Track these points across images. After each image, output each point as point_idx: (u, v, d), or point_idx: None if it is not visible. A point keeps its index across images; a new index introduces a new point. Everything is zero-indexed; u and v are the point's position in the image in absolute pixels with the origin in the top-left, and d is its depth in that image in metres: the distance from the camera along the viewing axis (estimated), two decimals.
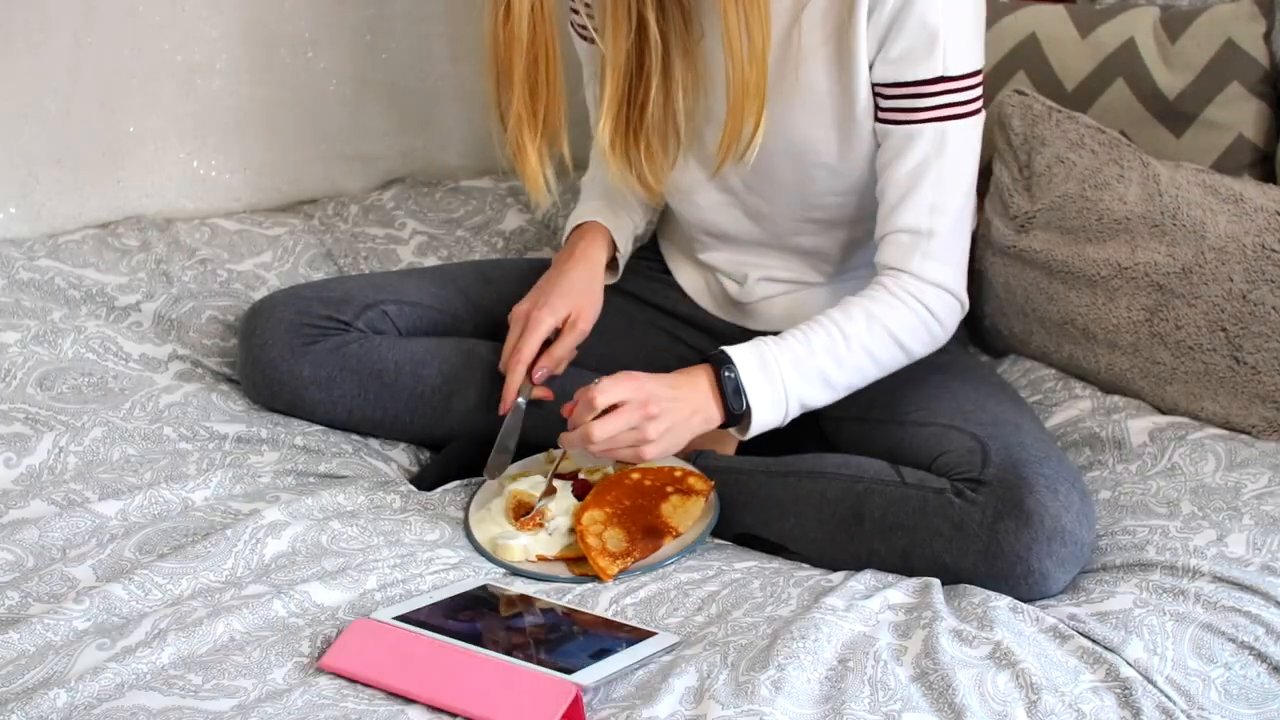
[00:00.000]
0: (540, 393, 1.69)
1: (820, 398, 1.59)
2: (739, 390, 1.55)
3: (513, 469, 1.69)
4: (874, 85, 1.60)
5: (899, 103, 1.59)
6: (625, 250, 1.82)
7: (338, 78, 2.28)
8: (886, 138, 1.61)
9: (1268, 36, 1.88)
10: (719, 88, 1.62)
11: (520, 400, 1.67)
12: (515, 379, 1.67)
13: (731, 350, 1.57)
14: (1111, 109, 1.93)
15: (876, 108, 1.61)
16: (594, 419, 1.51)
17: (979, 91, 1.60)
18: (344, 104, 2.30)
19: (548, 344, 1.70)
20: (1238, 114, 1.87)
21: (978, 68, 1.59)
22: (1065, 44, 1.97)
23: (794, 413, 1.58)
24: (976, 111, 1.60)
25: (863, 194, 1.69)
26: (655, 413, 1.52)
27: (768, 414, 1.57)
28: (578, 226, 1.80)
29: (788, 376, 1.56)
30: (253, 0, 2.20)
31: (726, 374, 1.55)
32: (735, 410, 1.56)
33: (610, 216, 1.81)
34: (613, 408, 1.52)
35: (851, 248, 1.75)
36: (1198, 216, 1.71)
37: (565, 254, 1.77)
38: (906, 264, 1.61)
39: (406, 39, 2.31)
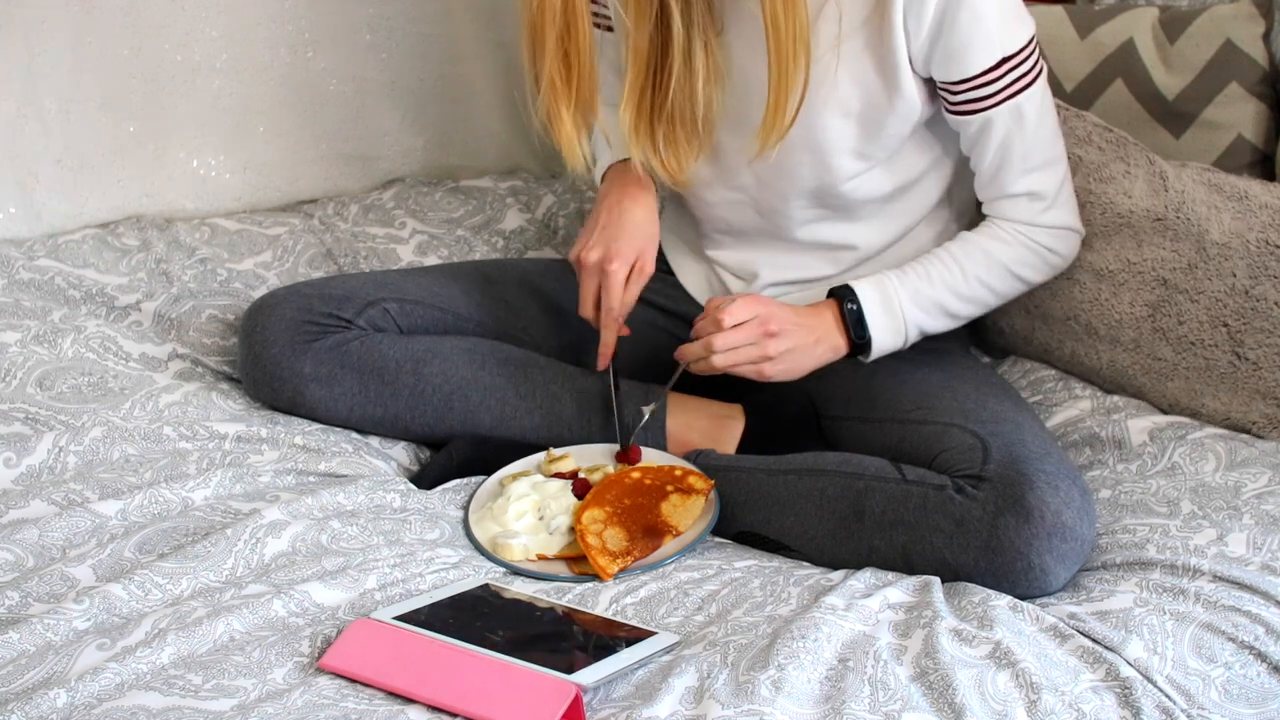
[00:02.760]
0: (621, 330, 1.72)
1: (940, 325, 1.70)
2: (861, 322, 1.66)
3: (513, 468, 1.69)
4: (937, 83, 1.62)
5: (968, 94, 1.62)
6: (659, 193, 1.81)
7: (338, 78, 2.28)
8: (963, 126, 1.65)
9: (1267, 37, 1.88)
10: (736, 85, 1.63)
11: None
12: (612, 334, 1.69)
13: (854, 284, 1.67)
14: (1111, 110, 1.93)
15: (945, 102, 1.64)
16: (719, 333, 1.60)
17: (1037, 53, 1.64)
18: (344, 104, 2.30)
19: None
20: (1237, 114, 1.87)
21: (1032, 33, 1.63)
22: (1064, 44, 1.97)
23: (914, 338, 1.70)
24: (1040, 72, 1.65)
25: (881, 187, 1.70)
26: (776, 330, 1.62)
27: (888, 340, 1.68)
28: (618, 162, 1.77)
29: (907, 308, 1.67)
30: (253, 0, 2.20)
31: (849, 306, 1.66)
32: (858, 340, 1.67)
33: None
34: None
35: (861, 239, 1.75)
36: (1202, 213, 1.71)
37: (616, 191, 1.73)
38: (1023, 216, 1.70)
39: (406, 39, 2.31)
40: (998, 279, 1.70)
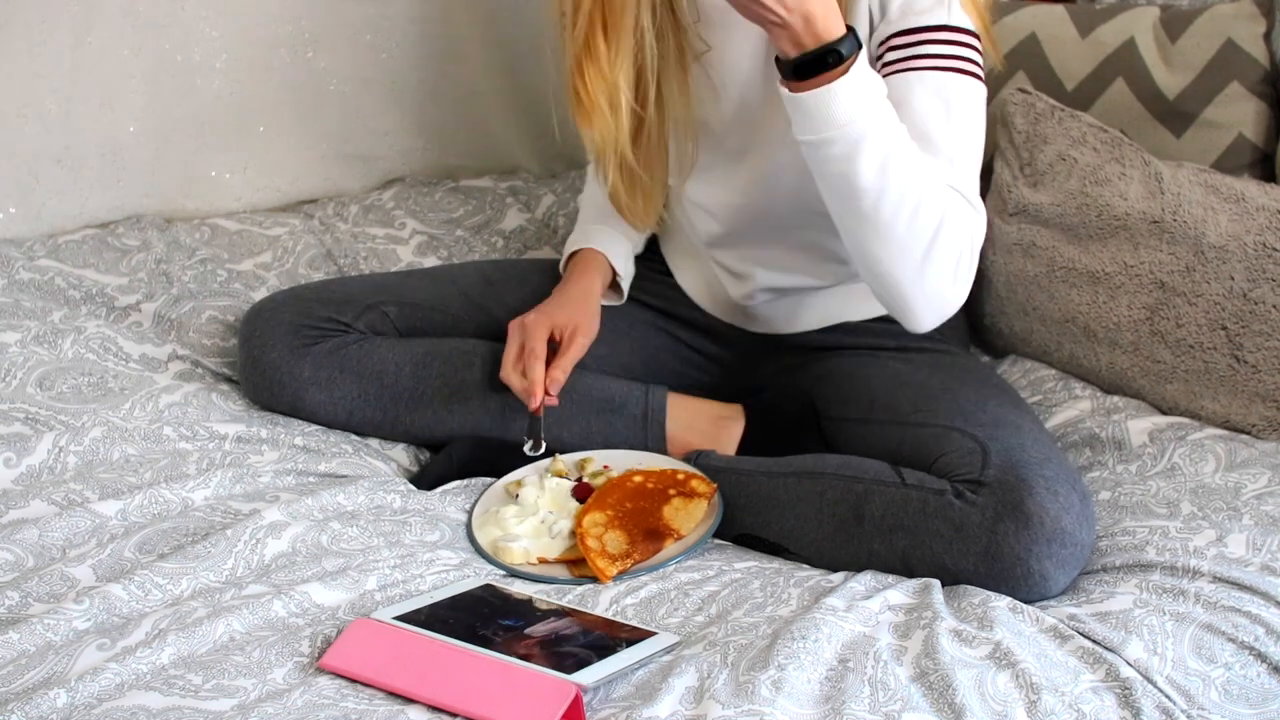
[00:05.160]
0: (549, 401, 1.69)
1: (875, 152, 1.44)
2: (847, 45, 1.43)
3: (519, 473, 1.68)
4: (876, 44, 1.56)
5: (899, 52, 1.53)
6: (626, 271, 1.83)
7: (338, 78, 2.28)
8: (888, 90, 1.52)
9: (1268, 36, 1.88)
10: (733, 97, 1.64)
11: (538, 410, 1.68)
12: (537, 371, 1.66)
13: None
14: (1111, 109, 1.93)
15: (879, 64, 1.55)
16: None
17: (979, 57, 1.54)
18: (344, 104, 2.30)
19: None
20: (1238, 114, 1.87)
21: (978, 39, 1.55)
22: (1065, 44, 1.97)
23: (853, 138, 1.44)
24: (977, 76, 1.54)
25: None
26: None
27: (858, 82, 1.44)
28: (574, 254, 1.81)
29: (881, 99, 1.46)
30: (253, 0, 2.20)
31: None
32: (844, 49, 1.42)
33: (609, 238, 1.81)
34: None
35: None
36: (1199, 215, 1.71)
37: (561, 281, 1.79)
38: None
39: (406, 39, 2.31)
40: (932, 187, 1.48)
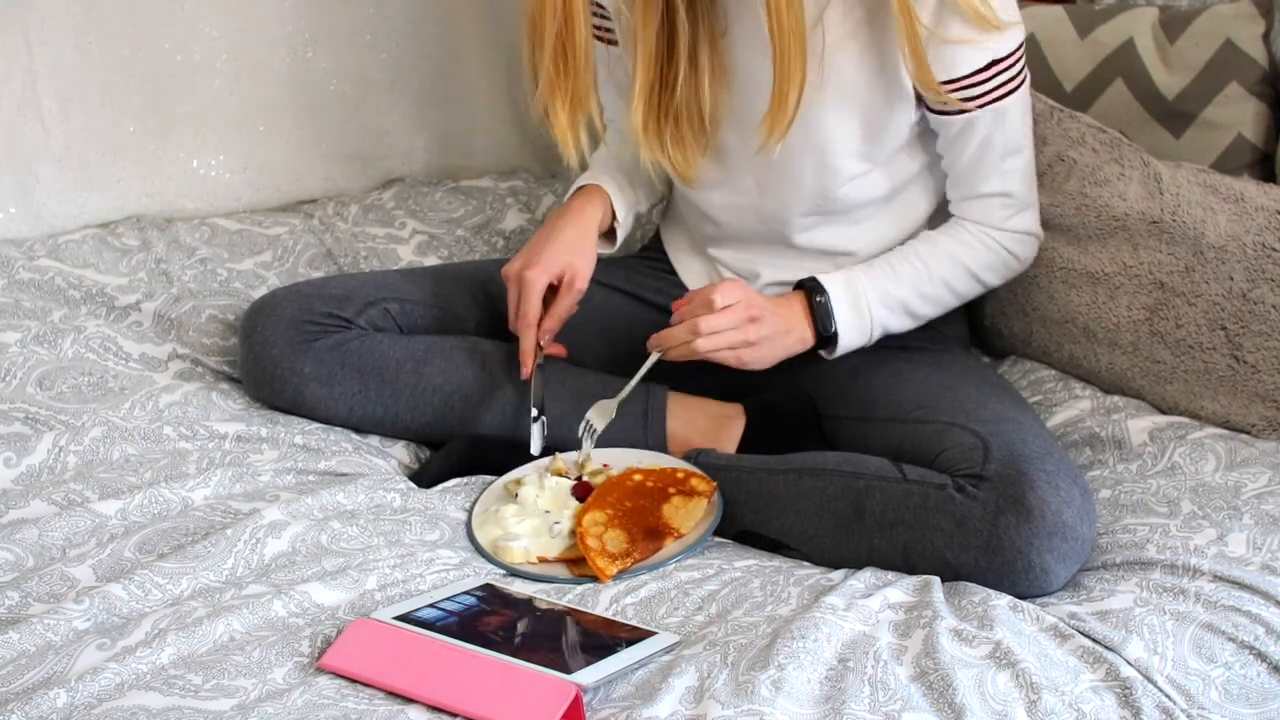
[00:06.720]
0: (554, 349, 1.71)
1: (901, 325, 1.72)
2: (829, 315, 1.67)
3: (515, 473, 1.68)
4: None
5: (954, 94, 1.62)
6: (624, 220, 1.82)
7: (338, 78, 2.28)
8: (944, 127, 1.66)
9: (1266, 37, 1.88)
10: (741, 85, 1.65)
11: (537, 362, 1.69)
12: (529, 340, 1.69)
13: (823, 278, 1.68)
14: (1110, 109, 1.93)
15: (928, 102, 1.64)
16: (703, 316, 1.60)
17: (1024, 58, 1.66)
18: (344, 104, 2.30)
19: (548, 304, 1.72)
20: (1237, 114, 1.87)
21: (1022, 39, 1.64)
22: (1064, 45, 1.97)
23: (877, 336, 1.71)
24: (1026, 78, 1.68)
25: (878, 189, 1.70)
26: (758, 315, 1.64)
27: (854, 338, 1.69)
28: (579, 189, 1.80)
29: (874, 306, 1.69)
30: (253, 0, 2.20)
31: (818, 299, 1.67)
32: (824, 333, 1.68)
33: (614, 186, 1.81)
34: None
35: (862, 244, 1.75)
36: (1198, 215, 1.71)
37: (559, 211, 1.78)
38: (990, 220, 1.72)
39: (406, 39, 2.31)
40: (960, 281, 1.72)
